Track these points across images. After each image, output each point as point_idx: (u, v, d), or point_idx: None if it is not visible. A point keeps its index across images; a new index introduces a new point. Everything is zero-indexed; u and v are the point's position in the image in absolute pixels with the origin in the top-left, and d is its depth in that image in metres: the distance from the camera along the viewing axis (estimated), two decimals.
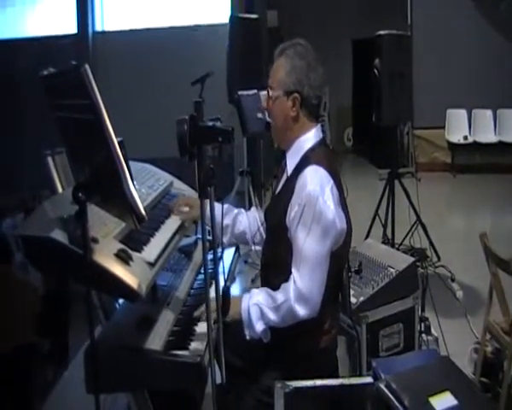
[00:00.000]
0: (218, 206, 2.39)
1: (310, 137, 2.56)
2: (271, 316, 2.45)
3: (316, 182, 2.41)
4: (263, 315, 2.46)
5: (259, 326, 2.46)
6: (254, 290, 2.55)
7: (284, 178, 2.63)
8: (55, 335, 3.83)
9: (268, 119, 2.67)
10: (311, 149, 2.54)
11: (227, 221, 2.93)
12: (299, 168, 2.49)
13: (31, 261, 2.20)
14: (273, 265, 2.65)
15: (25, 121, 9.49)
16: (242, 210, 3.04)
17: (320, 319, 2.49)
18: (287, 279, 2.46)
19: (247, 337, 2.49)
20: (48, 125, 2.04)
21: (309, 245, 2.40)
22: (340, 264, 2.64)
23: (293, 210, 2.43)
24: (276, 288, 2.51)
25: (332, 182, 2.45)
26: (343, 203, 2.54)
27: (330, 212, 2.40)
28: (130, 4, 10.74)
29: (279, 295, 2.46)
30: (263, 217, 2.84)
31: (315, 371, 2.37)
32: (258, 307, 2.46)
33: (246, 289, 5.58)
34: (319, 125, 2.63)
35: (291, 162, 2.57)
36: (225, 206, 2.94)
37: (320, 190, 2.39)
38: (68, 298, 3.85)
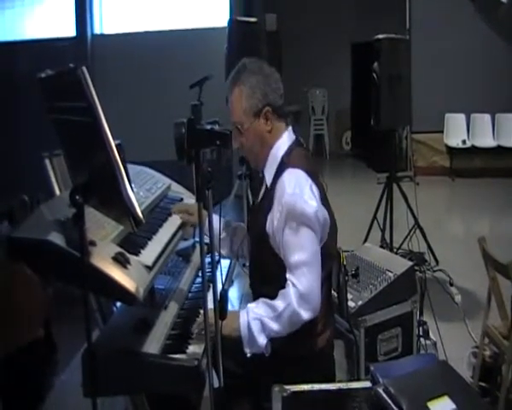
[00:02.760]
0: (215, 217, 2.40)
1: (283, 142, 2.57)
2: (273, 326, 2.42)
3: (293, 185, 2.41)
4: (264, 327, 2.42)
5: (262, 340, 2.43)
6: (251, 305, 2.51)
7: (263, 188, 2.63)
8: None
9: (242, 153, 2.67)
10: (286, 154, 2.54)
11: (226, 234, 2.93)
12: (278, 175, 2.49)
13: (28, 264, 2.19)
14: (259, 274, 2.66)
15: (23, 123, 9.47)
16: (242, 224, 3.04)
17: (314, 320, 2.48)
18: (274, 289, 2.45)
19: (248, 355, 2.45)
20: (46, 127, 2.03)
21: (301, 247, 2.39)
22: (328, 260, 2.61)
23: (276, 218, 2.43)
24: (264, 296, 2.50)
25: (310, 180, 2.45)
26: (323, 199, 2.52)
27: (311, 208, 2.39)
28: (129, 7, 10.73)
29: (279, 303, 2.43)
30: None
31: (312, 373, 2.36)
32: (258, 320, 2.43)
33: (243, 293, 5.58)
34: (290, 128, 2.62)
35: (269, 173, 2.57)
36: (224, 218, 2.94)
37: (300, 192, 2.39)
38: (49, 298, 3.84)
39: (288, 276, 2.42)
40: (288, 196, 2.39)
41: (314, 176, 2.50)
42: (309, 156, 2.63)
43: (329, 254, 2.59)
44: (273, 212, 2.46)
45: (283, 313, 2.41)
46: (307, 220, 2.39)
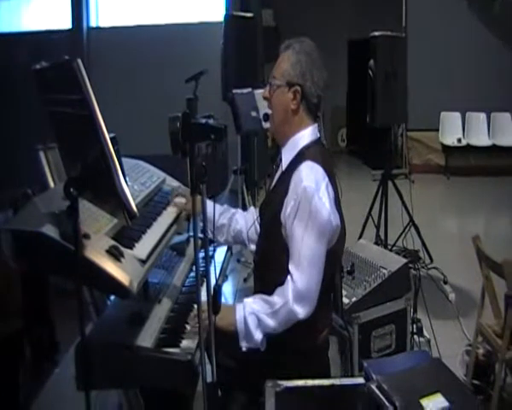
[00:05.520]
0: (210, 203, 2.38)
1: (306, 135, 2.57)
2: (269, 322, 2.42)
3: (311, 178, 2.41)
4: (260, 323, 2.43)
5: (258, 335, 2.44)
6: (248, 299, 2.51)
7: (279, 173, 2.63)
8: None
9: (268, 110, 2.68)
10: (307, 147, 2.55)
11: (224, 221, 2.94)
12: (295, 164, 2.50)
13: (21, 256, 2.18)
14: (267, 261, 2.64)
15: (18, 116, 9.43)
16: (239, 210, 3.04)
17: (313, 319, 2.48)
18: (280, 276, 2.44)
19: (244, 349, 2.45)
20: (41, 119, 2.03)
21: (306, 243, 2.39)
22: (335, 262, 2.63)
23: (289, 205, 2.43)
24: (269, 285, 2.50)
25: (327, 179, 2.46)
26: (337, 202, 2.54)
27: (325, 210, 2.40)
28: (126, 1, 10.71)
29: (276, 299, 2.43)
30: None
31: (307, 371, 2.36)
32: (255, 315, 2.43)
33: (238, 289, 5.59)
34: (316, 125, 2.63)
35: (286, 158, 2.58)
36: (223, 206, 2.97)
37: (315, 187, 2.40)
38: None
39: (290, 268, 2.42)
40: (304, 188, 2.40)
41: (330, 176, 2.51)
42: (328, 157, 2.64)
43: (335, 257, 2.60)
44: (287, 199, 2.46)
45: (280, 310, 2.41)
46: (319, 219, 2.39)
